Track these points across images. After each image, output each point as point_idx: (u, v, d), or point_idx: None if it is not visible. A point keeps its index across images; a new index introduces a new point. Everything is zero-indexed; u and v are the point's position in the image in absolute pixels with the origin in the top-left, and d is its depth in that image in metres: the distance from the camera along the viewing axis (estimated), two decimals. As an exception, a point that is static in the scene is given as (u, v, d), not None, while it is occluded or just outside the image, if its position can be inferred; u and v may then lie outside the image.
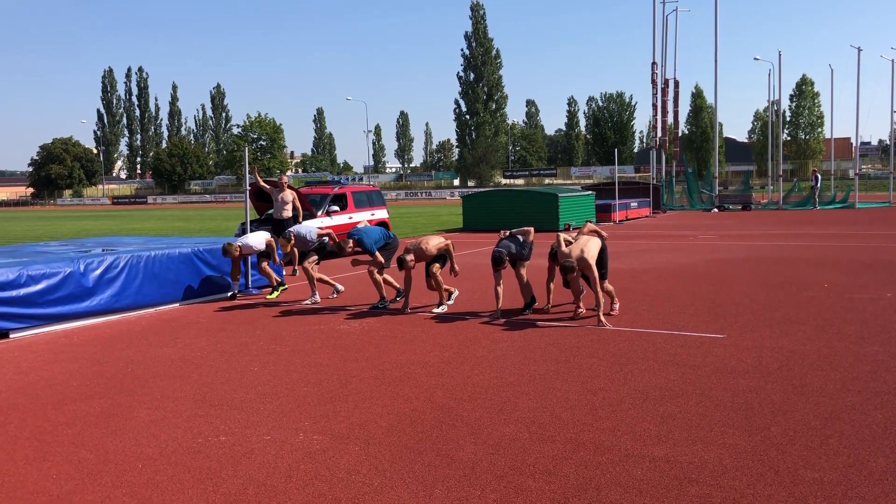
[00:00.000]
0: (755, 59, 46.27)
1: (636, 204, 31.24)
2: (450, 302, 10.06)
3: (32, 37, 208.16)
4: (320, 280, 10.99)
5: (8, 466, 4.69)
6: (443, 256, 9.90)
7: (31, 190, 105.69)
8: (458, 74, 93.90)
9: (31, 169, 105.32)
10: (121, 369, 7.15)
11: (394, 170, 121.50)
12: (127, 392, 6.35)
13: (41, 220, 45.26)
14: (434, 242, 9.74)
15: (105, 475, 4.50)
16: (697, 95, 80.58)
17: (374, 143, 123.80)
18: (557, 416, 5.38)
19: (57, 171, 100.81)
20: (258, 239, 11.28)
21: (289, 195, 14.69)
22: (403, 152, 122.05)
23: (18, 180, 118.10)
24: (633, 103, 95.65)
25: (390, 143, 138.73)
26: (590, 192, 28.07)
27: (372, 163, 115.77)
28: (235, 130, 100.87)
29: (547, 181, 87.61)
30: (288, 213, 14.60)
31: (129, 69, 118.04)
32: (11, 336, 8.72)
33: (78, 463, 4.71)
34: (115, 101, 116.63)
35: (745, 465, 4.39)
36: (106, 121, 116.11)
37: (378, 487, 4.21)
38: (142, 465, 4.66)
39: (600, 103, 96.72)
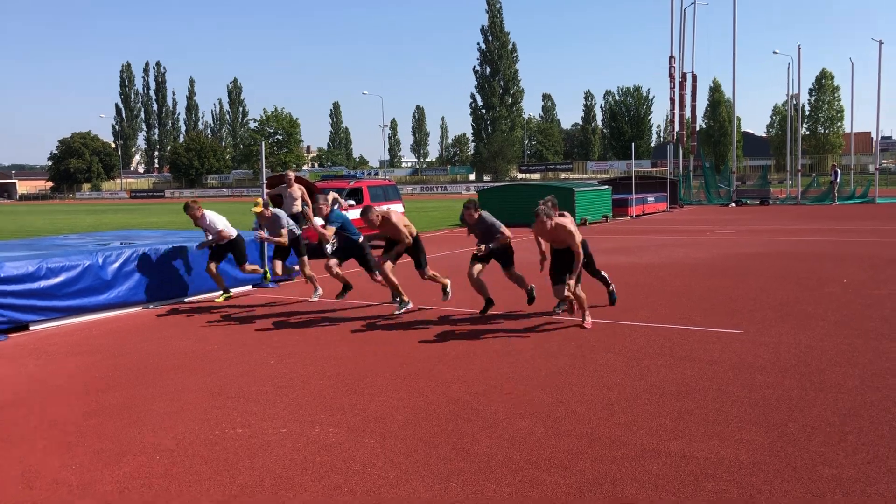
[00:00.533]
0: (774, 52, 45.95)
1: (653, 199, 31.09)
2: (399, 311, 9.36)
3: (51, 32, 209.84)
4: (310, 278, 10.72)
5: (29, 456, 4.75)
6: (400, 250, 9.30)
7: (50, 184, 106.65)
8: (474, 68, 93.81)
9: (50, 163, 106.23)
10: (139, 361, 7.21)
11: (409, 164, 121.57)
12: (145, 384, 6.40)
13: (60, 214, 45.66)
14: (397, 217, 9.18)
15: (123, 466, 4.54)
16: (715, 89, 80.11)
17: (389, 138, 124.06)
18: (573, 411, 5.37)
19: (76, 166, 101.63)
20: (226, 225, 10.51)
21: (297, 191, 14.68)
22: (419, 147, 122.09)
23: (38, 174, 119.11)
24: (650, 97, 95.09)
25: (406, 138, 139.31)
26: (606, 186, 27.97)
27: (388, 157, 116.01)
28: (252, 125, 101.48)
29: (563, 176, 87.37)
30: (297, 207, 14.61)
31: (146, 64, 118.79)
32: (32, 328, 8.81)
33: (97, 453, 4.76)
34: (132, 96, 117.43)
35: (761, 461, 4.37)
36: (124, 115, 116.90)
37: (393, 480, 4.23)
38: (159, 456, 4.70)
39: (617, 97, 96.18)
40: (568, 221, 8.25)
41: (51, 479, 4.37)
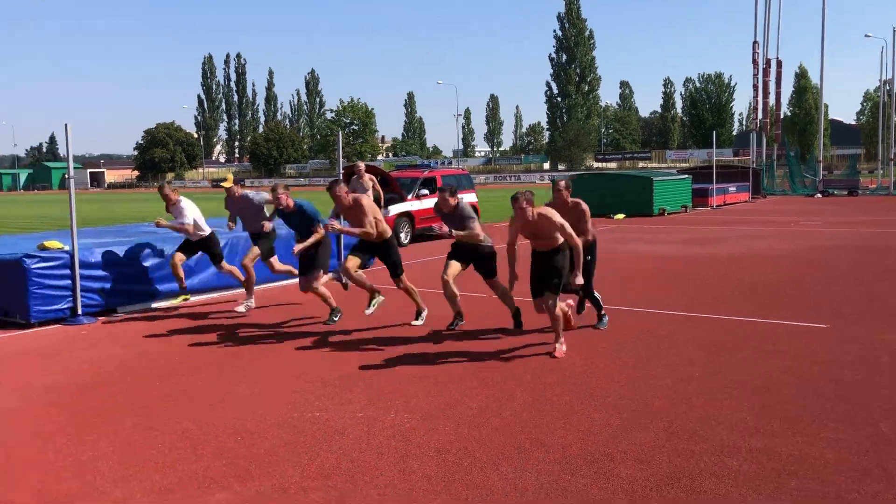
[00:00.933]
0: (866, 36, 43.93)
1: (734, 188, 30.24)
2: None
3: (136, 27, 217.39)
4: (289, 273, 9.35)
5: (118, 434, 4.95)
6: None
7: (136, 173, 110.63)
8: (549, 56, 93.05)
9: (136, 153, 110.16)
10: (221, 345, 7.43)
11: (483, 154, 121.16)
12: (227, 367, 6.59)
13: (146, 202, 47.35)
14: (369, 204, 7.86)
15: (206, 446, 4.69)
16: (801, 76, 77.26)
17: (463, 127, 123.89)
18: (649, 404, 5.28)
19: (160, 155, 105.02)
20: (199, 220, 9.17)
21: (367, 181, 14.78)
22: (493, 136, 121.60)
23: (125, 164, 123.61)
24: (732, 84, 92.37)
25: (480, 127, 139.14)
26: (686, 175, 27.33)
27: (461, 146, 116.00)
28: (329, 115, 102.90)
29: (641, 165, 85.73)
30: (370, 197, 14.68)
31: (227, 55, 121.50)
32: (119, 311, 9.18)
33: (181, 434, 4.93)
34: (214, 87, 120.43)
35: (849, 461, 4.21)
36: (206, 106, 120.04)
37: (467, 467, 4.24)
38: (241, 437, 4.83)
39: (698, 84, 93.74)
40: (551, 212, 6.64)
41: (138, 456, 4.55)
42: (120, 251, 9.18)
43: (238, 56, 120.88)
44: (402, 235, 16.86)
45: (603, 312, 7.78)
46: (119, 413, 5.40)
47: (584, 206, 7.38)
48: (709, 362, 6.33)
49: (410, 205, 17.29)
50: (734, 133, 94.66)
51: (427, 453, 4.47)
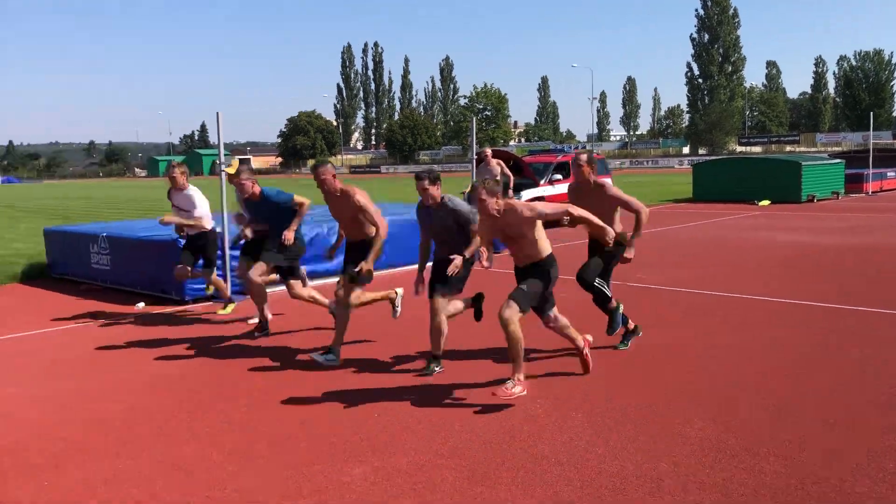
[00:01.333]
0: None
1: (894, 174, 28.11)
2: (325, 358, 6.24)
3: (280, 21, 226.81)
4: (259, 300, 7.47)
5: (261, 408, 5.23)
6: (365, 272, 6.38)
7: (279, 159, 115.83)
8: (690, 36, 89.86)
9: (279, 140, 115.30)
10: (358, 324, 7.66)
11: (618, 138, 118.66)
12: (364, 345, 6.81)
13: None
14: (364, 197, 6.46)
15: (343, 423, 4.87)
16: (975, 49, 70.68)
17: (598, 111, 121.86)
18: (798, 401, 5.01)
19: (302, 143, 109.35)
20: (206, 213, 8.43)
21: (495, 166, 14.72)
22: (629, 119, 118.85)
23: (269, 151, 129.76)
24: (893, 62, 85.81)
25: (615, 110, 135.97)
26: (838, 160, 25.66)
27: (596, 131, 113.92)
28: (462, 101, 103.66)
29: (788, 149, 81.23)
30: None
31: (365, 44, 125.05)
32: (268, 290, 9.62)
33: (321, 411, 5.14)
34: (352, 76, 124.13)
35: None
36: (344, 94, 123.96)
37: (602, 455, 4.19)
38: (378, 413, 4.99)
39: (853, 63, 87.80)
40: (522, 205, 5.16)
41: (284, 429, 4.80)
42: (266, 233, 9.60)
43: (375, 45, 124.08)
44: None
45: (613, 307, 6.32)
46: (263, 386, 5.70)
47: (612, 189, 5.96)
48: (868, 359, 5.94)
49: (543, 190, 17.24)
50: (894, 114, 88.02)
51: (559, 439, 4.45)
